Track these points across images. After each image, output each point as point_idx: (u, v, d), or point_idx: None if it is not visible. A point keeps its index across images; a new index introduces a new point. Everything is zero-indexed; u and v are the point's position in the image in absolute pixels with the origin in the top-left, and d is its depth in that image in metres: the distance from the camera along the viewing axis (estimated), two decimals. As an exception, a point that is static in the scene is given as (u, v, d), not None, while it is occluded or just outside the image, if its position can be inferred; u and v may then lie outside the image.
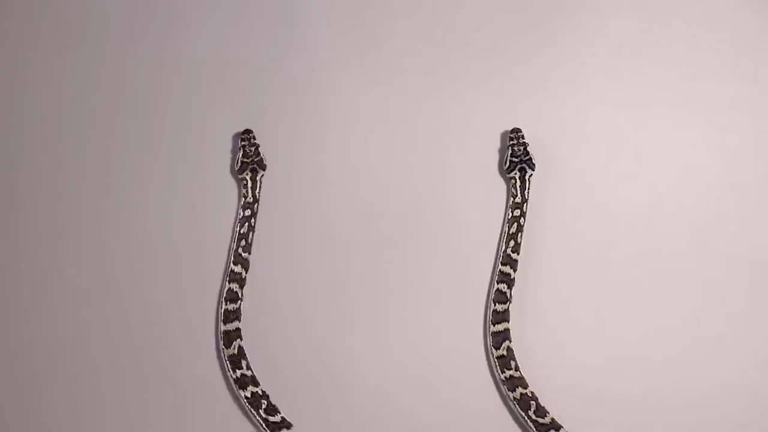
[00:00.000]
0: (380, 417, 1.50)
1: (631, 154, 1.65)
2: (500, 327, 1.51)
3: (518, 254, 1.55)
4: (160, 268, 1.58)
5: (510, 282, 1.52)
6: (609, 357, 1.53)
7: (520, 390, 1.47)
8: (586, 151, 1.65)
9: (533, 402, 1.47)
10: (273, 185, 1.63)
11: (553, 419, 1.47)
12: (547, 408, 1.48)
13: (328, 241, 1.60)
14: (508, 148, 1.61)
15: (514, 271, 1.54)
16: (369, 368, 1.52)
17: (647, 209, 1.61)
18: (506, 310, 1.52)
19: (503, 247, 1.55)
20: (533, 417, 1.47)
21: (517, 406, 1.47)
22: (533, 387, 1.50)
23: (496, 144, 1.66)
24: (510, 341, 1.50)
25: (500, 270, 1.53)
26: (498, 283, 1.52)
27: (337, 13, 1.74)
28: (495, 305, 1.52)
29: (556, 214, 1.61)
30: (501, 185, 1.63)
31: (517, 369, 1.49)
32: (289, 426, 1.48)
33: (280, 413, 1.49)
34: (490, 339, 1.51)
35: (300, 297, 1.57)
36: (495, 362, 1.50)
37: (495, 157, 1.65)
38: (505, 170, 1.60)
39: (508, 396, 1.48)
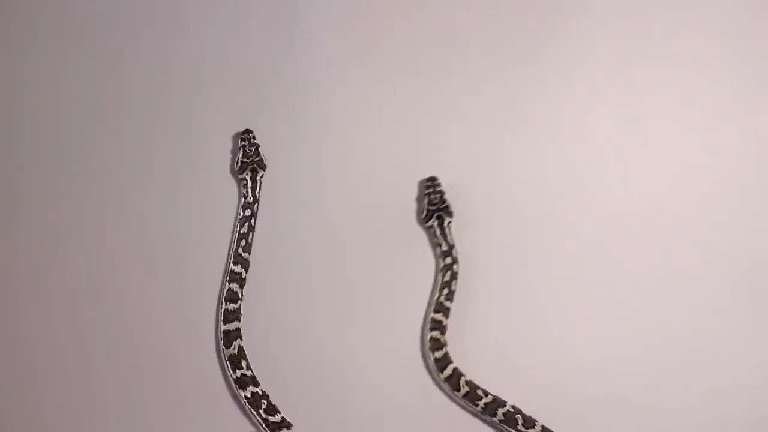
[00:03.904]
0: (380, 417, 1.50)
1: (632, 154, 1.65)
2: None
3: (452, 302, 1.52)
4: (160, 268, 1.58)
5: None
6: (609, 357, 1.53)
7: (501, 410, 1.46)
8: (586, 151, 1.65)
9: (519, 416, 1.46)
10: (273, 185, 1.63)
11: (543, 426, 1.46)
12: (547, 408, 1.48)
13: (328, 241, 1.60)
14: (424, 197, 1.58)
15: (445, 318, 1.50)
16: (369, 368, 1.52)
17: (647, 209, 1.61)
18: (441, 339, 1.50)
19: (437, 295, 1.53)
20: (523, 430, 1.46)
21: (504, 426, 1.46)
22: (534, 387, 1.50)
23: (496, 144, 1.66)
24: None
25: (431, 317, 1.50)
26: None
27: (337, 13, 1.74)
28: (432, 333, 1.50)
29: (555, 213, 1.61)
30: (502, 184, 1.63)
31: (486, 394, 1.47)
32: (289, 426, 1.48)
33: (280, 413, 1.49)
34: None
35: (300, 297, 1.57)
36: (463, 401, 1.48)
37: (494, 157, 1.65)
38: (423, 219, 1.58)
39: (494, 422, 1.47)
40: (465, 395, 1.47)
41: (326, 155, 1.65)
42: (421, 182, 1.60)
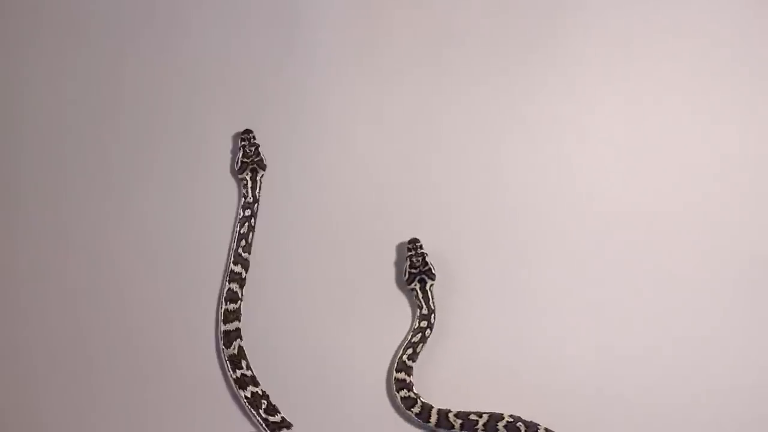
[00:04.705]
0: (380, 417, 1.50)
1: (631, 154, 1.65)
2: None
3: (414, 362, 1.50)
4: (160, 268, 1.58)
5: None
6: (609, 357, 1.53)
7: (501, 424, 1.46)
8: (586, 151, 1.65)
9: (520, 423, 1.46)
10: (273, 185, 1.63)
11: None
12: (547, 408, 1.48)
13: (328, 241, 1.60)
14: (406, 260, 1.56)
15: (408, 376, 1.49)
16: (368, 368, 1.52)
17: (647, 209, 1.61)
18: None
19: (400, 353, 1.51)
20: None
21: None
22: (534, 388, 1.50)
23: (497, 144, 1.66)
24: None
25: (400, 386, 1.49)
26: None
27: (337, 13, 1.74)
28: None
29: (554, 213, 1.61)
30: (501, 184, 1.63)
31: (480, 415, 1.46)
32: (289, 426, 1.48)
33: (280, 413, 1.49)
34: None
35: (300, 297, 1.56)
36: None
37: (494, 157, 1.65)
38: (405, 282, 1.56)
39: None
40: (461, 427, 1.47)
41: (326, 155, 1.65)
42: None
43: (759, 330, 1.54)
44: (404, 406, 1.48)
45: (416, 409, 1.48)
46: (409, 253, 1.56)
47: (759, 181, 1.63)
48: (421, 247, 1.56)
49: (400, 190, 1.63)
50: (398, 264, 1.58)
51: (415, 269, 1.55)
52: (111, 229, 1.60)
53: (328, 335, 1.54)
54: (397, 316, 1.55)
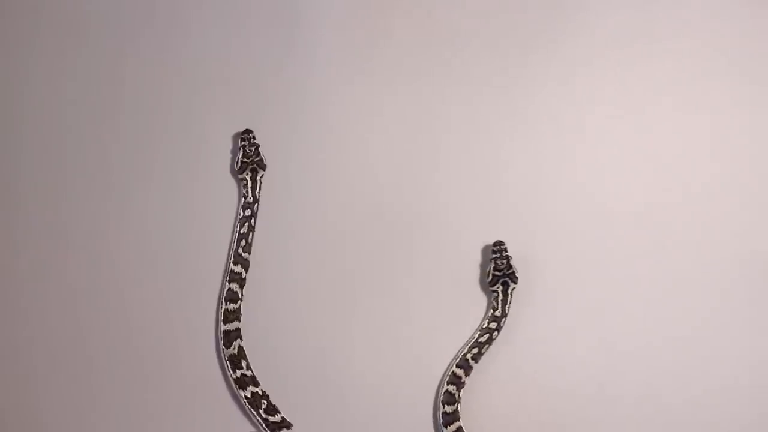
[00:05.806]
0: (380, 417, 1.50)
1: (632, 154, 1.65)
2: None
3: (477, 363, 1.50)
4: (160, 268, 1.58)
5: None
6: (609, 357, 1.53)
7: None
8: (586, 151, 1.65)
9: None
10: (273, 185, 1.63)
11: None
12: (547, 408, 1.48)
13: (328, 241, 1.60)
14: (490, 261, 1.56)
15: (465, 375, 1.50)
16: (369, 368, 1.52)
17: (647, 209, 1.61)
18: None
19: (465, 350, 1.51)
20: None
21: None
22: (533, 387, 1.50)
23: (497, 143, 1.66)
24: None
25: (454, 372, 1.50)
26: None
27: (337, 13, 1.74)
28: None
29: (554, 214, 1.61)
30: (501, 184, 1.63)
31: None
32: (289, 426, 1.48)
33: (280, 413, 1.49)
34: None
35: (300, 297, 1.57)
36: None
37: (495, 156, 1.65)
38: (488, 284, 1.55)
39: None
40: None
41: (326, 155, 1.65)
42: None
43: (759, 329, 1.54)
44: (443, 399, 1.48)
45: (448, 409, 1.48)
46: (494, 256, 1.56)
47: (760, 181, 1.63)
48: (506, 249, 1.56)
49: (400, 190, 1.63)
50: (398, 263, 1.58)
51: (499, 272, 1.55)
52: (111, 229, 1.60)
53: (328, 335, 1.54)
54: (396, 316, 1.56)
